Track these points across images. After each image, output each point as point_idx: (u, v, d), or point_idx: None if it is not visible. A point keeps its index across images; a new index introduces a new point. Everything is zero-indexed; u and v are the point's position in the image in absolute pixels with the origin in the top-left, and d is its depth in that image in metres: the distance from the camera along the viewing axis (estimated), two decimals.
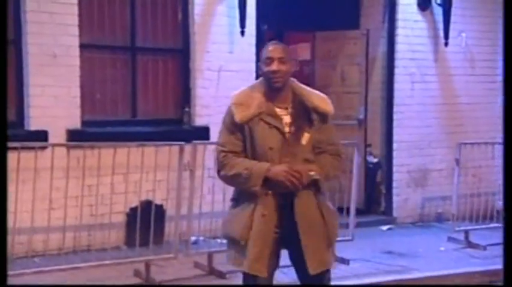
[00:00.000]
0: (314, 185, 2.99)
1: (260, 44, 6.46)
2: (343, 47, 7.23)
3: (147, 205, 5.36)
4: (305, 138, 2.96)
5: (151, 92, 6.17)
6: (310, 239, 2.95)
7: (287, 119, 2.97)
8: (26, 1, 5.31)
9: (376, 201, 7.40)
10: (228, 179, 3.02)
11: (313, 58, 7.48)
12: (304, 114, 2.98)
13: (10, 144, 4.67)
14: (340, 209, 5.86)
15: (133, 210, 5.52)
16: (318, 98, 3.05)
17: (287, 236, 2.98)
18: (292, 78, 3.06)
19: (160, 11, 6.16)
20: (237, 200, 3.07)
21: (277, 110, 2.97)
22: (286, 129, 2.96)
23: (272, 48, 3.00)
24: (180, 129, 6.12)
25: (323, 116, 3.02)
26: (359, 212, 6.42)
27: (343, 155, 3.13)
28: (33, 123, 5.39)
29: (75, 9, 5.51)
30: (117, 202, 5.54)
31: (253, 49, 6.23)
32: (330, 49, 7.30)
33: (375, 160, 7.38)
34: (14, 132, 5.11)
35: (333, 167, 3.06)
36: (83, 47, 5.62)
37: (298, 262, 3.02)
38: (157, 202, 5.44)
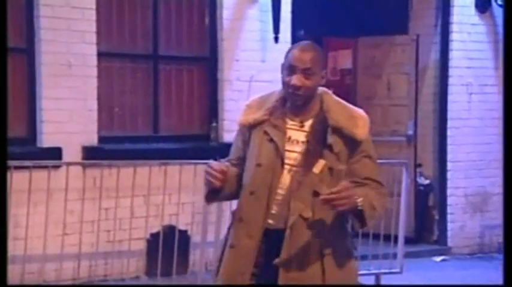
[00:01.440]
0: (356, 216, 2.59)
1: None
2: (390, 54, 7.23)
3: (170, 230, 5.44)
4: (319, 165, 2.61)
5: (175, 105, 6.23)
6: None
7: (298, 135, 2.67)
8: (40, 6, 5.41)
9: (428, 228, 7.35)
10: None
11: (355, 67, 7.50)
12: (322, 135, 2.65)
13: (21, 163, 4.89)
14: (387, 237, 5.87)
15: (155, 236, 5.58)
16: (348, 117, 2.68)
17: (265, 281, 2.63)
18: (324, 89, 2.76)
19: (185, 16, 6.25)
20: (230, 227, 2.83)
21: (289, 122, 2.69)
22: (290, 147, 2.65)
23: (298, 54, 2.66)
24: (206, 146, 6.16)
25: (351, 141, 2.65)
26: (408, 240, 6.40)
27: (384, 193, 2.74)
28: (46, 140, 5.49)
29: (93, 15, 5.59)
30: (137, 226, 5.59)
31: None
32: (374, 56, 7.31)
33: (427, 182, 7.35)
34: (25, 150, 5.27)
35: (379, 200, 2.66)
36: (100, 55, 5.70)
37: None
38: (181, 227, 5.50)
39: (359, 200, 2.54)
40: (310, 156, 2.64)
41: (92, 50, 5.62)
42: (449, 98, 7.19)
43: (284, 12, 6.22)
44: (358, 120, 2.71)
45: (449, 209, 7.24)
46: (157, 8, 6.08)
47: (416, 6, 7.38)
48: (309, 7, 6.46)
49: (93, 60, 5.63)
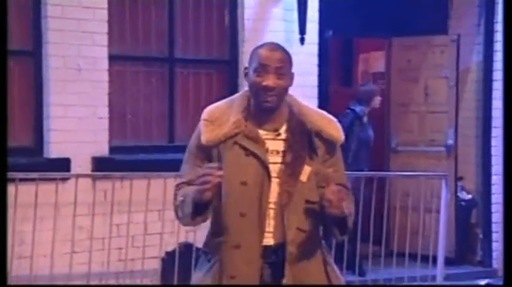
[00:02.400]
0: (339, 226, 2.65)
1: (323, 53, 6.53)
2: (427, 56, 7.22)
3: (186, 248, 5.48)
4: (305, 173, 2.65)
5: (192, 113, 6.20)
6: None
7: (276, 145, 2.68)
8: (48, 6, 5.46)
9: (470, 248, 7.31)
10: (178, 218, 2.73)
11: (389, 70, 7.50)
12: (304, 140, 2.69)
13: (26, 175, 4.97)
14: (425, 258, 5.85)
15: (171, 254, 5.63)
16: (324, 120, 2.75)
17: None
18: (289, 93, 2.76)
19: (204, 16, 6.28)
20: (205, 254, 2.76)
21: (262, 132, 2.68)
22: (271, 158, 2.65)
23: (269, 53, 2.66)
24: None
25: (330, 145, 2.73)
26: (449, 261, 6.38)
27: (353, 197, 2.81)
28: (54, 150, 5.51)
29: (104, 15, 5.62)
30: (151, 244, 5.64)
31: (315, 60, 6.33)
32: (410, 59, 7.31)
33: (469, 197, 7.31)
34: (31, 161, 5.33)
35: (352, 211, 2.73)
36: (112, 58, 5.74)
37: None
38: (199, 244, 5.48)
39: (345, 206, 2.59)
40: (295, 164, 2.66)
41: (103, 53, 5.66)
42: (494, 104, 7.15)
43: (311, 11, 6.23)
44: (331, 122, 2.78)
45: (494, 227, 7.19)
46: (173, 8, 6.10)
47: (457, 3, 7.36)
48: (337, 5, 6.43)
49: (104, 63, 5.68)
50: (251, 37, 6.20)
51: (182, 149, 5.86)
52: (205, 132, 2.69)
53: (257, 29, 6.24)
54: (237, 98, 2.79)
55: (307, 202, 2.65)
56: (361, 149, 6.44)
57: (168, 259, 5.68)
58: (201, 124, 2.73)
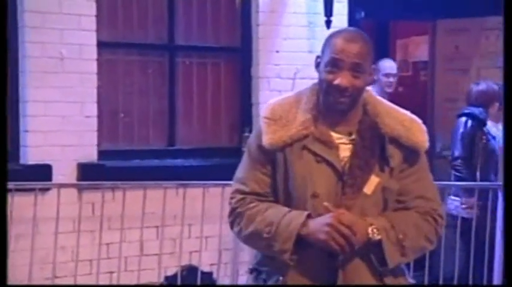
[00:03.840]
0: (375, 252, 2.67)
1: None
2: (479, 41, 7.17)
3: (190, 272, 5.47)
4: (371, 184, 2.67)
5: (197, 110, 6.24)
6: None
7: (347, 151, 2.71)
8: None
9: None
10: (245, 240, 2.80)
11: (433, 59, 7.47)
12: (375, 146, 2.70)
13: None
14: None
15: (171, 279, 5.59)
16: (404, 123, 2.73)
17: None
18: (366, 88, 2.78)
19: None
20: (257, 273, 2.81)
21: (335, 135, 2.72)
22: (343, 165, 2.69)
23: (345, 45, 2.65)
24: (237, 162, 6.08)
25: (411, 153, 2.72)
26: None
27: (441, 218, 2.78)
28: (32, 155, 5.50)
29: None
30: (148, 267, 5.58)
31: None
32: (458, 45, 7.28)
33: None
34: None
35: (418, 231, 2.71)
36: (101, 46, 5.72)
37: None
38: (205, 268, 5.48)
39: (370, 229, 2.62)
40: (358, 174, 2.67)
41: (91, 39, 5.64)
42: None
43: None
44: (413, 126, 2.75)
45: None
46: None
47: None
48: None
49: (92, 52, 5.65)
50: (267, 20, 6.20)
51: (184, 153, 6.13)
52: (267, 134, 2.72)
53: (274, 10, 6.23)
54: (305, 93, 2.78)
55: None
56: (488, 160, 6.18)
57: (168, 285, 5.66)
58: (262, 123, 2.75)
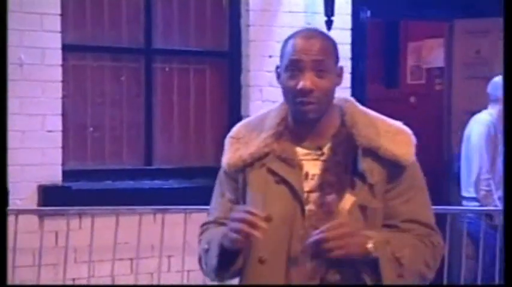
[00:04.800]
0: (372, 270, 2.64)
1: (359, 42, 6.53)
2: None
3: None
4: (345, 203, 2.63)
5: (178, 124, 6.25)
6: None
7: (315, 167, 2.70)
8: None
9: None
10: (203, 272, 2.85)
11: (450, 64, 7.48)
12: (349, 160, 2.68)
13: None
14: None
15: None
16: (386, 135, 2.72)
17: None
18: (345, 96, 2.82)
19: None
20: None
21: (301, 151, 2.71)
22: (308, 186, 2.68)
23: (302, 43, 2.66)
24: None
25: (394, 168, 2.68)
26: None
27: (439, 243, 2.76)
28: None
29: None
30: None
31: (347, 50, 6.29)
32: (478, 49, 7.29)
33: None
34: None
35: (416, 252, 2.69)
36: (67, 50, 5.76)
37: None
38: None
39: (370, 244, 2.58)
40: (330, 191, 2.66)
41: (55, 42, 5.67)
42: None
43: None
44: (398, 137, 2.72)
45: None
46: None
47: None
48: None
49: (57, 56, 5.68)
50: (259, 21, 6.24)
51: (163, 174, 6.08)
52: (227, 153, 2.79)
53: (267, 8, 6.28)
54: (276, 109, 2.83)
55: None
56: None
57: (180, 286, 5.73)
58: (225, 143, 2.82)
